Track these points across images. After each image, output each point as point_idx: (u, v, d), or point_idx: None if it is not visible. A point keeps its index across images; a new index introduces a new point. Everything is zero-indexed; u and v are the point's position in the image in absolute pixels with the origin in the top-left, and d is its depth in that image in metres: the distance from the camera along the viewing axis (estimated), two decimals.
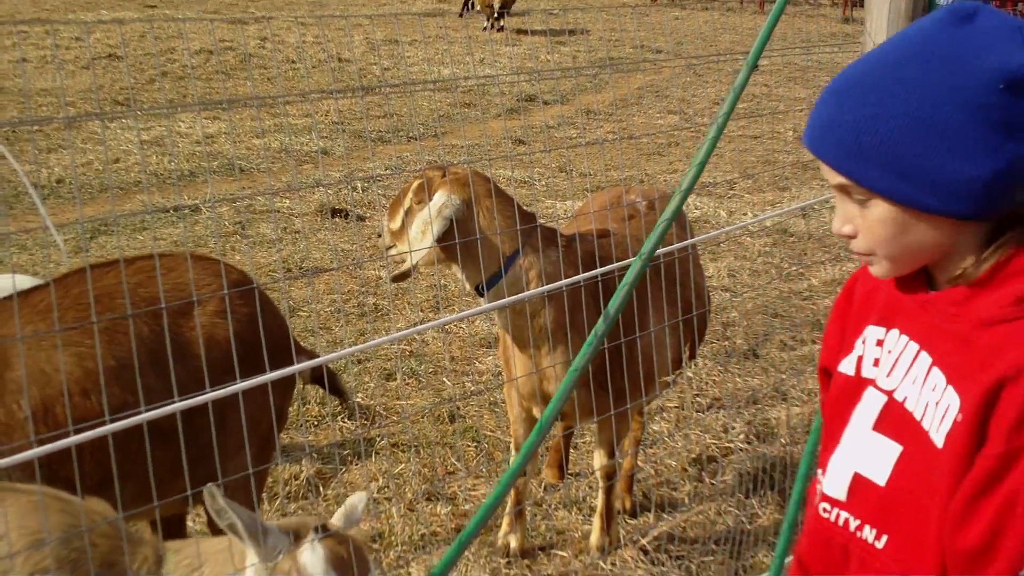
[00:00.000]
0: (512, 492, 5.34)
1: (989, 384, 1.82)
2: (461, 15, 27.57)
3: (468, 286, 4.97)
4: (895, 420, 2.02)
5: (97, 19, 21.06)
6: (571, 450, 6.14)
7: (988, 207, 1.87)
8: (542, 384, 4.97)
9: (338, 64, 19.01)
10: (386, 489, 5.87)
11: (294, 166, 12.77)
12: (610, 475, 5.26)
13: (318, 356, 4.63)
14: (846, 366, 2.17)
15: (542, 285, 4.65)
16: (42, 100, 15.52)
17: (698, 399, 6.92)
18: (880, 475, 2.02)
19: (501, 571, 5.20)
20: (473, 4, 27.37)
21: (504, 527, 5.38)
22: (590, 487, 5.86)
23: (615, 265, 4.47)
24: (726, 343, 7.81)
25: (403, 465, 6.10)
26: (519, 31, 24.62)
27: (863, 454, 2.07)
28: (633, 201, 5.49)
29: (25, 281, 4.80)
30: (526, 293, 4.62)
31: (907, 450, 1.98)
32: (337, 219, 10.67)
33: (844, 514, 2.11)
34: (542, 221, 5.02)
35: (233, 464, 4.02)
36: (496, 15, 25.13)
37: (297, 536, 3.03)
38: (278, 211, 10.95)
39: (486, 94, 16.66)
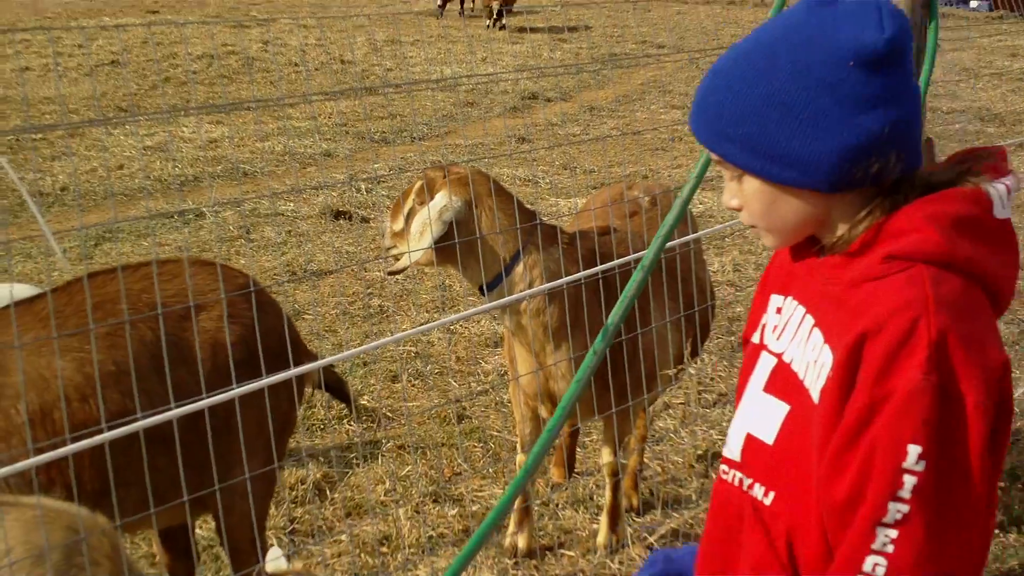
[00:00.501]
0: None
1: (853, 338, 1.91)
2: (444, 13, 27.37)
3: (472, 286, 4.96)
4: (783, 381, 2.11)
5: (99, 26, 21.09)
6: (577, 448, 6.12)
7: (845, 180, 1.98)
8: (547, 383, 4.95)
9: (340, 66, 19.02)
10: (392, 492, 5.85)
11: (297, 169, 12.78)
12: (616, 473, 5.24)
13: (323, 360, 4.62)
14: (756, 335, 2.27)
15: (545, 284, 4.64)
16: (45, 108, 15.54)
17: (704, 395, 6.91)
18: (769, 434, 2.11)
19: (509, 571, 5.19)
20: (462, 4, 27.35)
21: (511, 527, 5.37)
22: (596, 485, 5.84)
23: (616, 262, 4.46)
24: (732, 338, 7.79)
25: (409, 467, 6.08)
26: (520, 29, 24.62)
27: (755, 415, 2.16)
28: (635, 197, 5.48)
29: (25, 290, 4.80)
30: (528, 291, 4.60)
31: (793, 409, 2.07)
32: (341, 221, 10.67)
33: (739, 474, 2.19)
34: (544, 218, 5.00)
35: (241, 470, 4.01)
36: (496, 14, 25.12)
37: None
38: (282, 214, 10.94)
39: (489, 93, 16.65)
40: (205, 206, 10.66)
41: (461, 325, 8.08)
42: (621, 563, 5.20)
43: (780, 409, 2.09)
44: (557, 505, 5.77)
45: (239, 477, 3.95)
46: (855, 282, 1.99)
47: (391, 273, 4.98)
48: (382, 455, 6.21)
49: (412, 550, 5.26)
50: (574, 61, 19.96)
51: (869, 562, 1.88)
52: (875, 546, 1.87)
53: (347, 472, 6.01)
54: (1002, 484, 5.07)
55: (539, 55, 20.95)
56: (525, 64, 19.10)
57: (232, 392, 3.35)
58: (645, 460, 6.03)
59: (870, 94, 1.94)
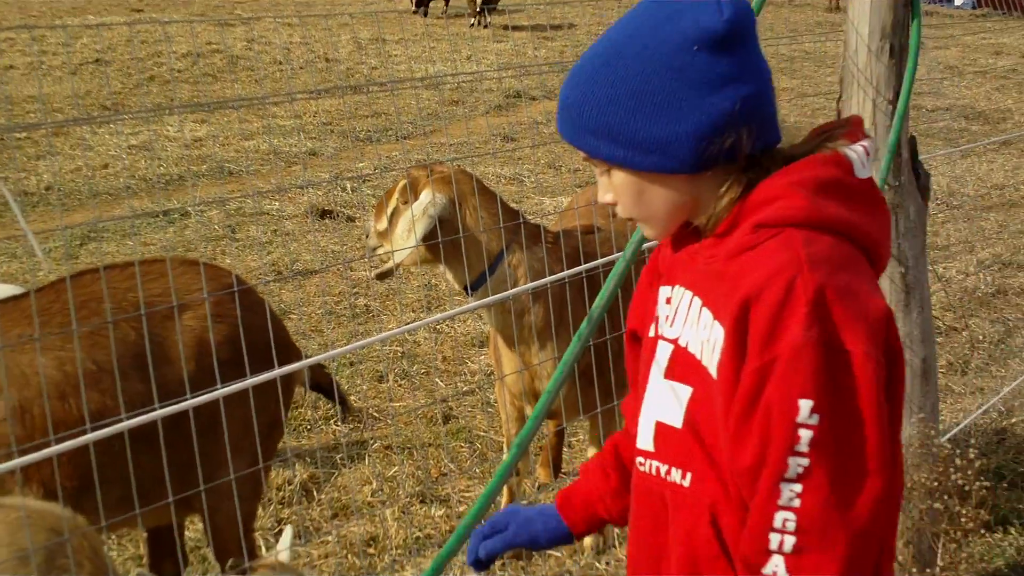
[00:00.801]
0: (505, 492, 5.33)
1: (736, 307, 1.98)
2: (416, 12, 27.01)
3: (456, 286, 4.96)
4: (682, 365, 2.16)
5: (83, 24, 21.02)
6: (564, 448, 6.12)
7: (703, 160, 2.06)
8: (532, 382, 4.95)
9: (325, 64, 18.97)
10: (379, 492, 5.85)
11: (282, 168, 12.75)
12: None
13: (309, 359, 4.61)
14: (651, 329, 2.30)
15: (529, 283, 4.64)
16: (29, 107, 15.48)
17: None
18: (676, 418, 2.16)
19: (496, 572, 5.18)
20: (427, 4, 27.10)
21: None
22: None
23: (600, 261, 4.46)
24: None
25: (396, 468, 6.08)
26: (504, 27, 24.59)
27: (661, 403, 2.21)
28: None
29: (8, 290, 4.80)
30: (512, 290, 4.61)
31: (696, 390, 2.13)
32: (326, 220, 10.66)
33: (655, 463, 2.24)
34: (529, 217, 5.00)
35: (227, 471, 4.00)
36: (479, 10, 25.06)
37: None
38: (267, 213, 10.93)
39: (473, 91, 16.63)
40: (190, 205, 10.64)
41: (447, 325, 8.08)
42: (608, 564, 5.19)
43: (683, 392, 2.15)
44: None
45: (225, 478, 3.94)
46: (731, 255, 2.06)
47: (379, 277, 4.98)
48: (368, 455, 6.20)
49: (399, 551, 5.26)
50: (559, 59, 19.94)
51: (779, 518, 1.93)
52: (781, 502, 1.93)
53: (334, 473, 6.01)
54: (987, 483, 5.06)
55: (524, 53, 20.93)
56: (509, 62, 19.08)
57: (216, 392, 3.34)
58: None
59: (717, 75, 2.03)
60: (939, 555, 4.52)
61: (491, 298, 4.60)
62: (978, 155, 13.27)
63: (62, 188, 11.63)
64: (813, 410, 1.89)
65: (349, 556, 5.24)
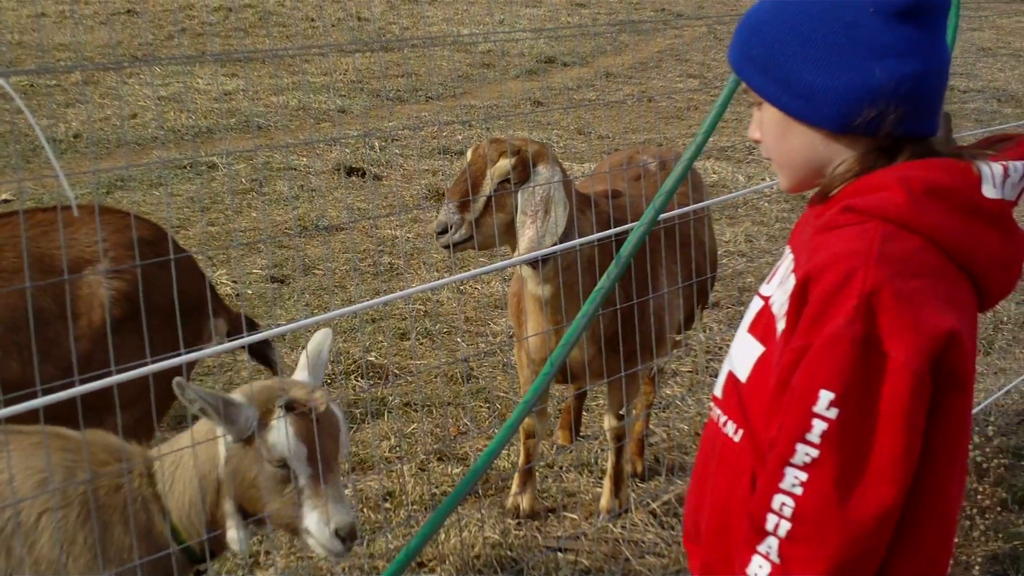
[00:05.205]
0: (523, 453, 5.34)
1: (799, 281, 1.98)
2: None
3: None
4: (764, 322, 2.17)
5: None
6: (583, 412, 6.12)
7: (844, 122, 2.05)
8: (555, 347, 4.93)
9: (357, 23, 18.94)
10: (397, 448, 5.87)
11: (312, 124, 12.75)
12: (619, 437, 5.25)
13: (240, 316, 4.53)
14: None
15: (588, 254, 4.59)
16: (60, 55, 15.51)
17: (711, 363, 6.91)
18: (744, 373, 2.18)
19: (511, 532, 5.20)
20: None
21: (514, 488, 5.38)
22: (602, 449, 5.85)
23: (630, 226, 4.44)
24: (742, 307, 7.78)
25: (415, 425, 6.09)
26: None
27: (738, 354, 2.23)
28: (644, 162, 5.46)
29: None
30: (542, 251, 4.54)
31: (767, 350, 2.13)
32: (354, 177, 10.66)
33: (718, 411, 2.27)
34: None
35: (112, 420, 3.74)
36: None
37: (265, 408, 3.12)
38: (295, 169, 10.93)
39: (505, 55, 16.59)
40: (218, 157, 10.65)
41: (471, 285, 8.08)
42: (624, 527, 5.21)
43: (756, 349, 2.15)
44: (561, 468, 5.78)
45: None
46: (819, 230, 2.06)
47: (454, 246, 4.77)
48: (388, 411, 6.22)
49: (415, 507, 5.28)
50: (592, 26, 19.89)
51: (777, 500, 1.94)
52: (783, 485, 1.93)
53: (353, 427, 6.02)
54: (1005, 462, 5.05)
55: (557, 19, 20.87)
56: (543, 27, 19.02)
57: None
58: (651, 427, 6.04)
59: (885, 43, 2.01)
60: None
61: (522, 257, 4.52)
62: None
63: (90, 136, 11.65)
64: (833, 403, 1.88)
65: (365, 510, 5.26)
